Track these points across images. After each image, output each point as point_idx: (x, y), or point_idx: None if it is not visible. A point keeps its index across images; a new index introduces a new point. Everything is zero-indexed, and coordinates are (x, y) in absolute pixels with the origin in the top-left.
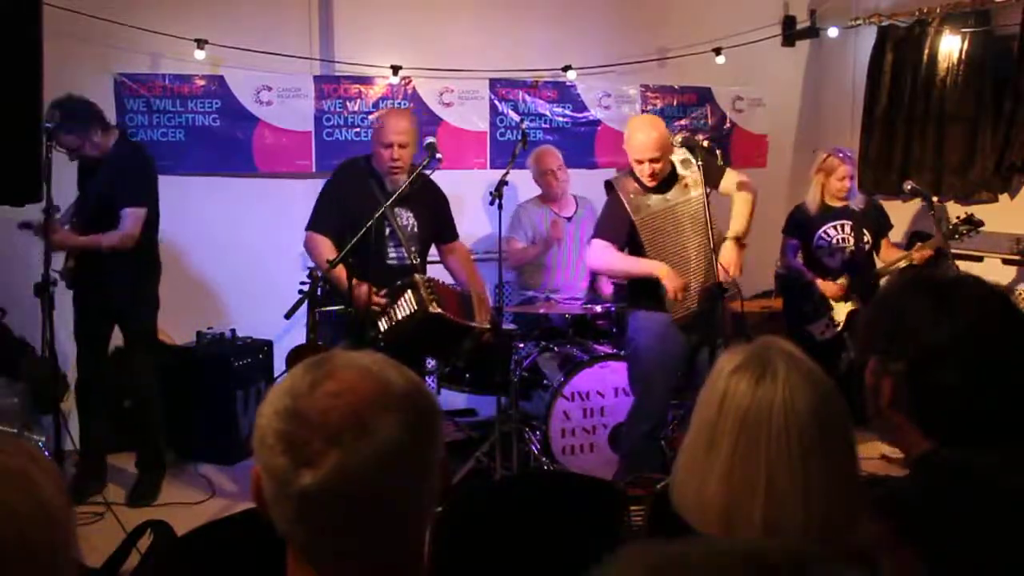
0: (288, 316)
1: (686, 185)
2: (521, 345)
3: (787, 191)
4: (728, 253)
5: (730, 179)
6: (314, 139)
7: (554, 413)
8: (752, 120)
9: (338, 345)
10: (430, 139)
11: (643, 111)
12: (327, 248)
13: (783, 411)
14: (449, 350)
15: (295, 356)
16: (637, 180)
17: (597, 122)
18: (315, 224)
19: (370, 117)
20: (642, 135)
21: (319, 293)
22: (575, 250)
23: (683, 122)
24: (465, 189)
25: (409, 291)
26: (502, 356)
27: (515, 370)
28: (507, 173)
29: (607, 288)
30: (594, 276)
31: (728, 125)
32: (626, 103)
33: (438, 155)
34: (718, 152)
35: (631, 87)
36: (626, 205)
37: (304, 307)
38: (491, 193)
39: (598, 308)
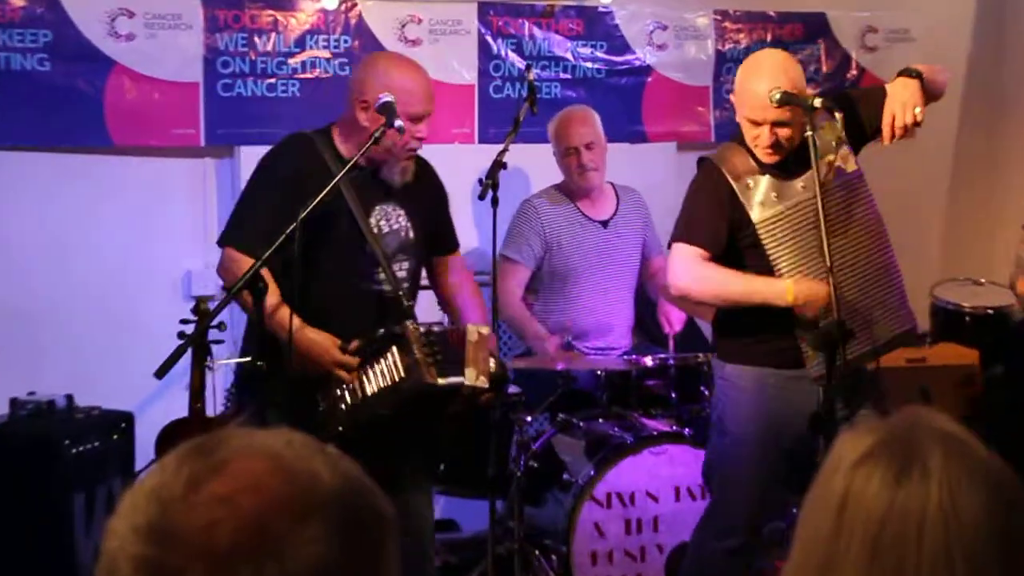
0: (160, 374)
1: (829, 164)
2: (528, 419)
3: (949, 177)
4: (902, 91)
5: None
6: (203, 95)
7: (579, 526)
8: (892, 64)
9: (240, 419)
10: (387, 97)
11: (718, 51)
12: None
13: (940, 524)
14: (427, 427)
15: (170, 437)
16: (751, 154)
17: (646, 69)
18: (240, 236)
19: (292, 62)
20: (765, 81)
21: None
22: (613, 271)
23: None
24: (442, 177)
25: (395, 348)
26: (498, 436)
27: (518, 458)
28: (505, 150)
29: (676, 320)
30: (642, 309)
31: (854, 72)
32: (691, 38)
33: (397, 122)
34: (839, 116)
35: (699, 14)
36: (738, 194)
37: (186, 359)
38: (480, 182)
39: (649, 360)
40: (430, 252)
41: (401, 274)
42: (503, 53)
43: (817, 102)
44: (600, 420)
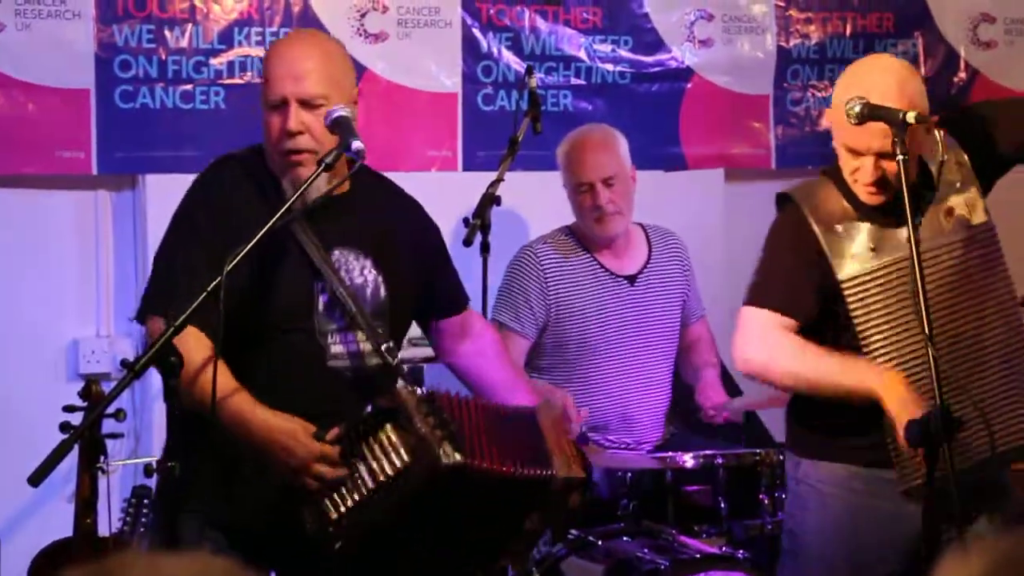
0: (36, 480)
1: (950, 210)
2: None
3: None
4: None
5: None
6: (95, 106)
7: None
8: (1014, 66)
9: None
10: (341, 111)
11: (781, 48)
12: (197, 349)
13: None
14: (499, 544)
15: (48, 565)
16: (847, 195)
17: (686, 72)
18: (166, 304)
19: (215, 62)
20: (868, 96)
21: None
22: (642, 341)
23: None
24: None
25: (389, 426)
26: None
27: None
28: (499, 181)
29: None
30: (680, 389)
31: (962, 75)
32: (745, 32)
33: (356, 143)
34: (939, 134)
35: (757, 1)
36: (823, 245)
37: (72, 459)
38: (466, 222)
39: (689, 459)
40: (430, 314)
41: (362, 346)
42: (496, 51)
43: (910, 117)
44: (625, 538)
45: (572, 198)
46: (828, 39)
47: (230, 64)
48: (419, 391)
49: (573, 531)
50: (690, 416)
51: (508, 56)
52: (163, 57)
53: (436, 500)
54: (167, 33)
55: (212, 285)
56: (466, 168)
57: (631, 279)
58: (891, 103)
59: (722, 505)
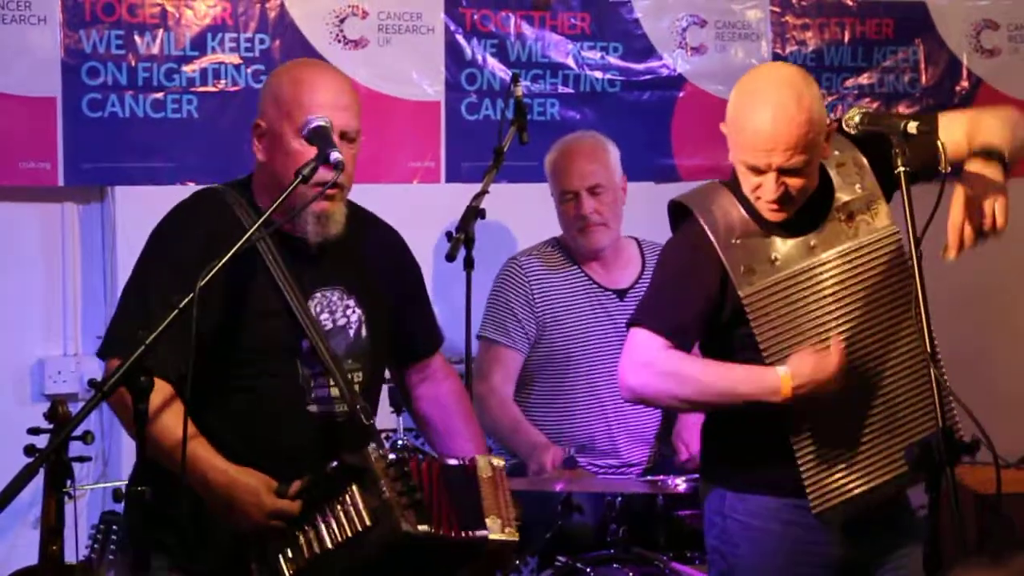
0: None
1: (851, 215)
2: (515, 562)
3: None
4: (978, 182)
5: (953, 127)
6: (61, 115)
7: None
8: (1020, 73)
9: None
10: (319, 121)
11: (776, 56)
12: (157, 396)
13: None
14: None
15: None
16: (746, 205)
17: (678, 80)
18: (129, 343)
19: (187, 69)
20: (764, 114)
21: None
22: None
23: (866, 77)
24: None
25: (355, 487)
26: None
27: None
28: (483, 193)
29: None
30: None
31: (964, 83)
32: (739, 38)
33: (334, 154)
34: (941, 145)
35: (749, 5)
36: (721, 257)
37: (37, 484)
38: (449, 236)
39: (682, 483)
40: (401, 357)
41: (333, 392)
42: (480, 58)
43: (912, 126)
44: (615, 565)
45: (557, 207)
46: (825, 46)
47: (203, 71)
48: (390, 456)
49: (560, 558)
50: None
51: (493, 63)
52: (133, 64)
53: (387, 565)
54: (137, 39)
55: (184, 302)
56: (449, 180)
57: (621, 293)
58: (789, 112)
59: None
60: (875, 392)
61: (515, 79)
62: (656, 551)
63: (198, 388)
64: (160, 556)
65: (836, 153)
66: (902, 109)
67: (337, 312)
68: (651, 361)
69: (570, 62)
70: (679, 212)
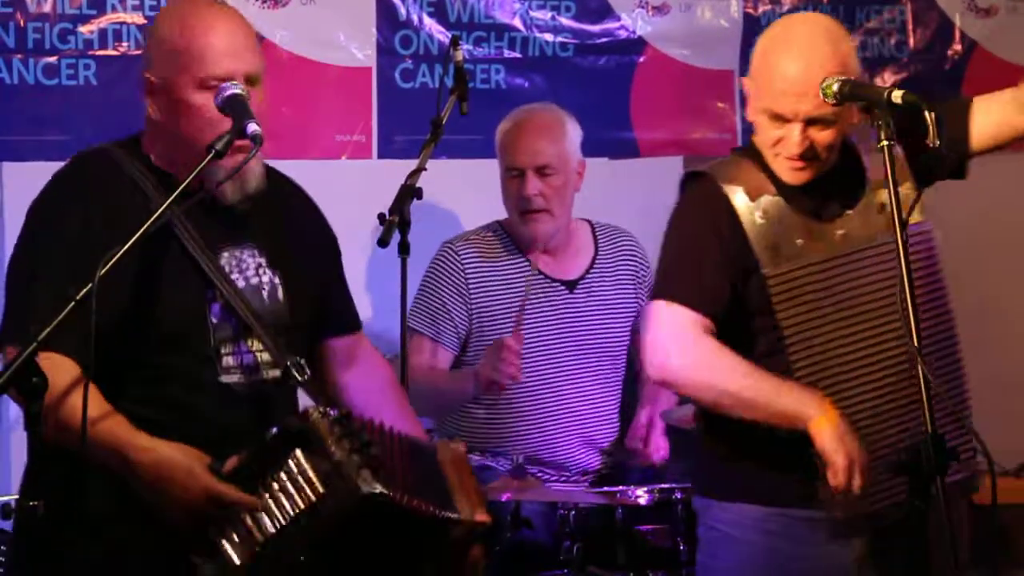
0: None
1: (882, 206)
2: None
3: None
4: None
5: (982, 105)
6: None
7: None
8: (1019, 36)
9: None
10: (234, 89)
11: (748, 16)
12: (59, 372)
13: None
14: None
15: None
16: (768, 170)
17: (637, 44)
18: (24, 327)
19: (84, 30)
20: (799, 59)
21: None
22: (585, 357)
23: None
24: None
25: (299, 453)
26: None
27: None
28: (420, 170)
29: (662, 444)
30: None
31: (957, 46)
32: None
33: (252, 126)
34: (930, 116)
35: None
36: (745, 229)
37: None
38: (382, 218)
39: (643, 493)
40: (316, 331)
41: (257, 357)
42: (416, 19)
43: (897, 96)
44: None
45: (502, 184)
46: (802, 5)
47: (102, 32)
48: (331, 412)
49: None
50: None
51: (430, 24)
52: (22, 24)
53: (354, 538)
54: None
55: (82, 293)
56: (381, 155)
57: (570, 285)
58: (828, 66)
59: (682, 547)
60: (901, 397)
61: (455, 42)
62: (614, 570)
63: (109, 374)
64: None
65: (871, 136)
66: (888, 76)
67: (248, 271)
68: (688, 343)
69: (517, 23)
70: (697, 180)
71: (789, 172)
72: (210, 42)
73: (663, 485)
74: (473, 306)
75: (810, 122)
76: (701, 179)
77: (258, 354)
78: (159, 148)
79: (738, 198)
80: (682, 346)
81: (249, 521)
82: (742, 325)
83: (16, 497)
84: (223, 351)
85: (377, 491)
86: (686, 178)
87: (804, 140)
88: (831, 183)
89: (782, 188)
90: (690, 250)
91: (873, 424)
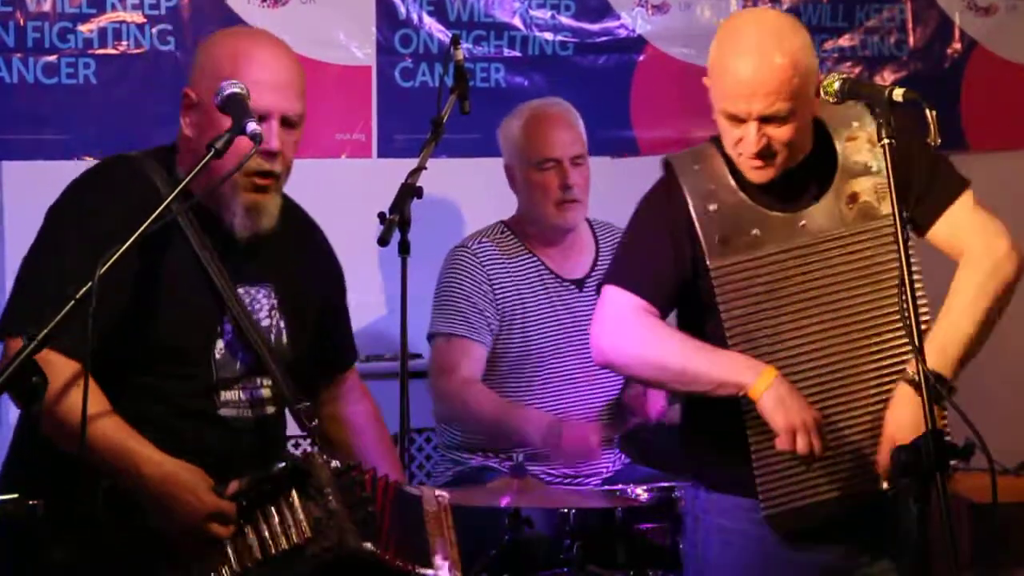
0: None
1: (854, 196)
2: None
3: None
4: (901, 409)
5: (960, 213)
6: None
7: None
8: (1019, 34)
9: None
10: (234, 88)
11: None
12: (60, 371)
13: None
14: None
15: None
16: (730, 164)
17: (637, 43)
18: (30, 320)
19: (84, 29)
20: (748, 59)
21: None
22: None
23: (847, 39)
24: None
25: (295, 494)
26: None
27: None
28: (420, 169)
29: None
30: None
31: (957, 45)
32: None
33: (251, 125)
34: (931, 115)
35: None
36: (695, 223)
37: None
38: (382, 217)
39: (642, 492)
40: (317, 371)
41: (263, 392)
42: (416, 18)
43: (898, 94)
44: None
45: (529, 178)
46: (802, 4)
47: (101, 31)
48: (335, 463)
49: None
50: (648, 442)
51: (430, 23)
52: (21, 23)
53: None
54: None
55: (81, 292)
56: (381, 154)
57: (579, 284)
58: (774, 57)
59: (682, 547)
60: (848, 398)
61: (455, 41)
62: (614, 568)
63: (108, 382)
64: None
65: (854, 125)
66: (887, 74)
67: (261, 312)
68: (626, 322)
69: (517, 22)
70: (667, 169)
71: (752, 171)
72: (257, 76)
73: (662, 484)
74: (498, 303)
75: (764, 120)
76: (666, 167)
77: (264, 391)
78: (188, 163)
79: (692, 188)
80: (620, 326)
81: (229, 549)
82: (698, 319)
83: (14, 496)
84: (224, 385)
85: (366, 548)
86: (663, 164)
87: (760, 138)
88: (802, 173)
89: (742, 180)
90: (641, 238)
91: (835, 415)
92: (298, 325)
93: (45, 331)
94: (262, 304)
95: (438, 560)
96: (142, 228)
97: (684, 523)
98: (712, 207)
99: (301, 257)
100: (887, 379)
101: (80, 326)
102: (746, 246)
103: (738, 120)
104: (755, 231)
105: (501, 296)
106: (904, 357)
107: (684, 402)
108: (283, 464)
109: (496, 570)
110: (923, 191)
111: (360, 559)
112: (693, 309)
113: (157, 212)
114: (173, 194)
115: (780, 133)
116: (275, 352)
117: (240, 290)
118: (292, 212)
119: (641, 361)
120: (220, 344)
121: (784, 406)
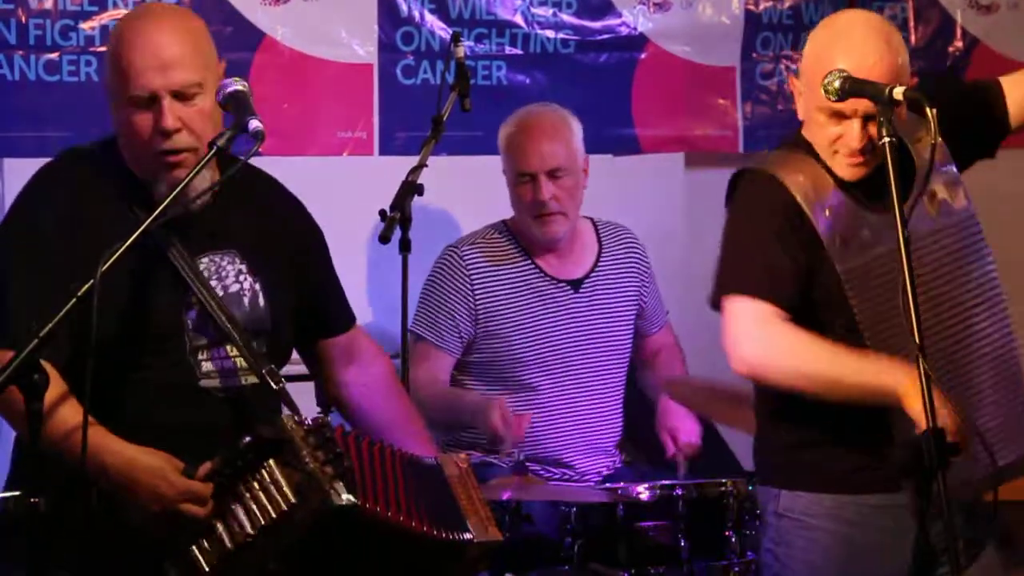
0: None
1: (932, 194)
2: None
3: None
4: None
5: (1013, 77)
6: None
7: None
8: (1021, 32)
9: None
10: (236, 85)
11: (749, 13)
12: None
13: None
14: None
15: None
16: (824, 166)
17: (639, 41)
18: (5, 328)
19: (85, 27)
20: (855, 52)
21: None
22: (589, 356)
23: None
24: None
25: (272, 461)
26: None
27: None
28: (421, 167)
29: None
30: (635, 410)
31: (958, 43)
32: None
33: (254, 123)
34: (931, 113)
35: None
36: (814, 225)
37: None
38: (383, 215)
39: (644, 491)
40: (310, 333)
41: (235, 362)
42: (417, 15)
43: (898, 92)
44: None
45: (511, 189)
46: (804, 2)
47: (103, 29)
48: (307, 421)
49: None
50: (649, 440)
51: (432, 21)
52: (23, 20)
53: (326, 550)
54: None
55: (83, 289)
56: (383, 152)
57: (575, 284)
58: (881, 70)
59: (683, 543)
60: (960, 379)
61: (456, 38)
62: (616, 567)
63: (84, 372)
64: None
65: (921, 129)
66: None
67: (228, 278)
68: (770, 332)
69: (518, 20)
70: (752, 178)
71: (847, 168)
72: (131, 58)
73: (664, 482)
74: (479, 310)
75: (868, 118)
76: (757, 175)
77: (236, 360)
78: (126, 151)
79: (802, 192)
80: (757, 335)
81: (219, 528)
82: (807, 320)
83: (17, 493)
84: (200, 356)
85: (348, 503)
86: (739, 175)
87: (864, 135)
88: (881, 175)
89: (840, 182)
90: (754, 242)
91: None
92: (274, 283)
93: (47, 327)
94: (227, 271)
95: (471, 522)
96: (142, 228)
97: (763, 521)
98: (826, 210)
99: (267, 220)
100: (992, 359)
101: (53, 331)
102: (862, 247)
103: (841, 117)
104: (864, 231)
105: (485, 304)
106: (997, 337)
107: (766, 404)
108: (248, 437)
109: (498, 567)
110: (973, 103)
111: (353, 515)
112: (802, 310)
113: (156, 213)
114: (171, 197)
115: (877, 130)
116: (250, 317)
117: (204, 259)
118: (256, 180)
119: (787, 371)
120: (191, 315)
121: (943, 407)
